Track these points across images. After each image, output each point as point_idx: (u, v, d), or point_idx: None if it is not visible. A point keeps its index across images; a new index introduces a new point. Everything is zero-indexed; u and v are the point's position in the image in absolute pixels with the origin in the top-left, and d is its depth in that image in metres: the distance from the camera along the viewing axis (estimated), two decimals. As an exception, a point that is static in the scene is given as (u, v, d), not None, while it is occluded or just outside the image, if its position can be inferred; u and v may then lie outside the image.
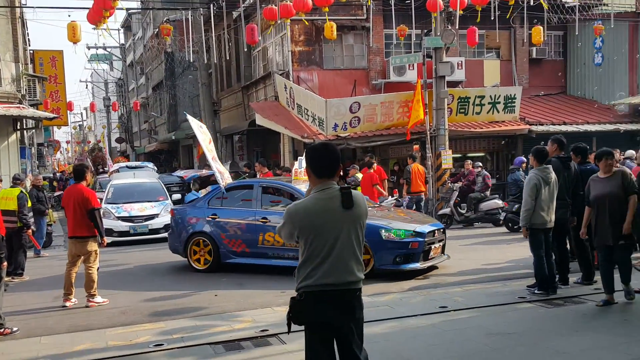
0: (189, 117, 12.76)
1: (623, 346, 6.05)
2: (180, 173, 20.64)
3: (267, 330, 7.08)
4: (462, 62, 22.19)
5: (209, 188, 15.38)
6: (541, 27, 19.25)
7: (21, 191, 11.95)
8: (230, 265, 11.20)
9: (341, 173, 4.08)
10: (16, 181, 12.57)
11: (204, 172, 19.33)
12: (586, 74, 24.46)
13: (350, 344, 4.01)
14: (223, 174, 11.99)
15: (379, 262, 9.92)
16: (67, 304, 9.11)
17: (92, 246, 9.15)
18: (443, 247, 10.81)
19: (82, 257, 9.17)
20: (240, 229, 11.09)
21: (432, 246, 10.32)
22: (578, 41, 23.58)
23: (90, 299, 9.11)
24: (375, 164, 15.85)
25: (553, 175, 8.15)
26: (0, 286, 7.61)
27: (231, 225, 11.20)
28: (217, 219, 11.33)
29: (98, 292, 9.20)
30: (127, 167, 25.86)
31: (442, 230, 10.83)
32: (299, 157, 11.53)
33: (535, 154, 8.23)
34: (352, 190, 3.99)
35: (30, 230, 11.98)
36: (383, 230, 9.96)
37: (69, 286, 9.16)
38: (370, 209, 11.43)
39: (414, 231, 10.06)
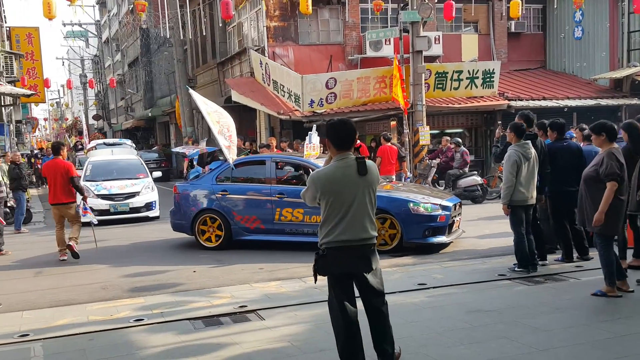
0: (192, 92, 12.34)
1: (605, 324, 5.95)
2: (179, 149, 19.90)
3: (246, 306, 7.08)
4: (439, 36, 21.98)
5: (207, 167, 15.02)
6: (519, 0, 19.07)
7: None
8: (240, 242, 11.01)
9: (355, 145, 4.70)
10: None
11: (203, 147, 18.83)
12: (566, 48, 24.38)
13: (367, 291, 4.67)
14: (230, 149, 11.63)
15: (408, 236, 9.91)
16: (64, 258, 10.65)
17: (73, 208, 10.88)
18: (459, 221, 10.87)
19: (67, 218, 10.84)
20: (255, 205, 10.83)
21: (455, 219, 10.43)
22: (557, 14, 23.46)
23: (74, 244, 10.76)
24: (391, 138, 15.71)
25: (533, 151, 7.99)
26: None
27: (244, 201, 10.93)
28: (228, 196, 11.02)
29: (78, 267, 10.19)
30: (104, 144, 25.42)
31: (460, 204, 10.86)
32: (309, 132, 11.53)
33: (515, 130, 8.05)
34: (366, 160, 4.61)
35: None
36: (411, 204, 9.97)
37: (62, 243, 10.70)
38: (386, 183, 11.57)
39: (440, 205, 10.09)
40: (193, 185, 11.82)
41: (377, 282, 4.69)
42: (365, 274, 4.63)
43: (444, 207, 10.10)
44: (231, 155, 11.48)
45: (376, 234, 4.69)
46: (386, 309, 4.80)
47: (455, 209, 10.41)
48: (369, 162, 4.66)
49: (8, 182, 13.66)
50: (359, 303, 4.79)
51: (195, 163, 16.75)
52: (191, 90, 12.50)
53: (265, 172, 11.10)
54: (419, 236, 9.94)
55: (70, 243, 10.63)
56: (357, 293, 4.79)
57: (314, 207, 4.80)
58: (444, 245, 10.27)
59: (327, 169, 4.64)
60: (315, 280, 4.70)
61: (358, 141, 14.89)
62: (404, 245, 9.96)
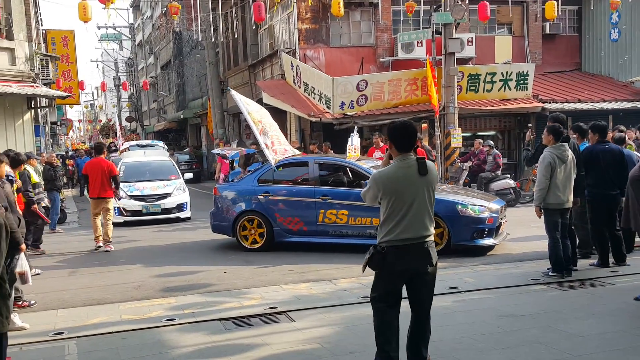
0: (233, 92, 12.28)
1: (642, 330, 5.82)
2: (218, 150, 19.72)
3: (276, 307, 7.11)
4: (472, 38, 21.77)
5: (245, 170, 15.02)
6: (555, 2, 18.82)
7: (24, 169, 11.92)
8: (282, 244, 10.97)
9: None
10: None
11: (243, 149, 18.76)
12: (602, 50, 23.94)
13: (421, 287, 4.77)
14: (270, 148, 11.47)
15: (457, 238, 9.85)
16: (100, 243, 12.00)
17: (110, 203, 12.28)
18: (505, 224, 10.77)
19: (102, 211, 12.09)
20: (298, 206, 10.77)
21: (501, 222, 10.34)
22: (593, 16, 23.06)
23: (109, 244, 12.03)
24: (422, 138, 15.59)
25: (569, 154, 7.86)
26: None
27: (287, 203, 10.87)
28: (270, 197, 10.96)
29: (111, 267, 10.43)
30: (137, 145, 25.64)
31: (505, 207, 10.78)
32: (350, 134, 11.60)
33: (554, 132, 7.92)
34: (426, 160, 4.74)
35: (35, 206, 11.78)
36: (459, 206, 9.92)
37: (97, 230, 12.06)
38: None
39: (487, 207, 10.02)
40: (234, 187, 11.75)
41: (432, 277, 4.80)
42: (424, 269, 4.73)
43: (492, 209, 10.02)
44: (274, 156, 11.32)
45: (434, 231, 4.84)
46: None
47: (501, 211, 10.33)
48: (429, 162, 4.79)
49: (43, 183, 13.89)
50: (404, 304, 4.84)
51: (236, 164, 16.64)
52: (233, 91, 12.41)
53: (308, 173, 11.05)
54: (467, 238, 9.86)
55: (104, 246, 11.92)
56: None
57: (359, 209, 5.04)
58: (491, 247, 10.16)
59: (388, 169, 4.77)
60: (363, 271, 4.84)
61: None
62: (452, 248, 9.88)
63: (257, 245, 11.03)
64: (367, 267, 4.78)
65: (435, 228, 9.54)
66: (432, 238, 4.80)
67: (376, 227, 9.55)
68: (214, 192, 11.96)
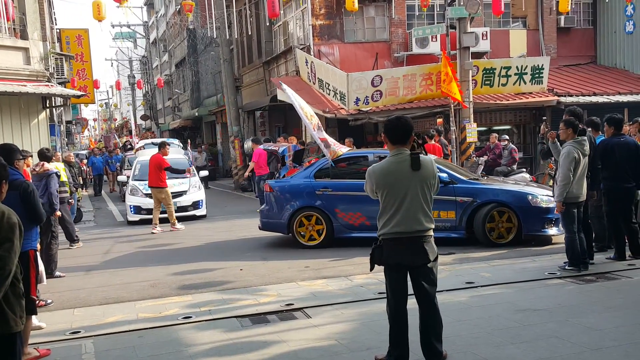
0: (285, 87, 12.06)
1: (660, 324, 5.78)
2: (269, 146, 19.35)
3: (292, 304, 7.12)
4: (487, 32, 21.62)
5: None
6: (569, -5, 18.64)
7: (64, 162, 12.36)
8: (342, 240, 10.84)
9: (416, 141, 4.82)
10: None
11: (289, 144, 18.69)
12: (617, 43, 23.70)
13: (421, 282, 4.74)
14: (333, 145, 11.28)
15: (529, 228, 10.01)
16: (154, 231, 13.82)
17: (164, 193, 14.11)
18: None
19: (161, 201, 14.12)
20: (360, 201, 10.45)
21: None
22: (607, 8, 22.83)
23: (173, 226, 14.10)
24: (434, 135, 15.40)
25: (587, 148, 7.84)
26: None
27: (348, 198, 10.67)
28: (329, 192, 10.76)
29: (128, 266, 10.46)
30: (152, 143, 25.68)
31: None
32: None
33: (572, 126, 7.88)
34: (421, 155, 4.73)
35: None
36: (530, 197, 10.01)
37: (155, 220, 14.05)
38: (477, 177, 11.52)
39: (553, 196, 10.07)
40: (289, 183, 11.41)
41: (431, 271, 4.76)
42: (419, 265, 4.72)
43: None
44: (334, 148, 11.09)
45: (432, 226, 4.77)
46: (436, 302, 4.85)
47: None
48: (424, 157, 4.77)
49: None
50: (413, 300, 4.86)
51: (287, 160, 16.42)
52: (284, 85, 12.24)
53: (368, 167, 10.94)
54: (538, 228, 9.99)
55: (171, 228, 13.96)
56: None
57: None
58: (551, 238, 10.27)
59: (382, 163, 4.85)
60: (371, 269, 4.86)
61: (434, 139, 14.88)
62: (524, 238, 10.03)
63: (316, 242, 10.82)
64: (373, 263, 4.82)
65: (501, 216, 9.90)
66: (429, 234, 4.75)
67: (443, 220, 9.47)
68: (266, 188, 11.59)
